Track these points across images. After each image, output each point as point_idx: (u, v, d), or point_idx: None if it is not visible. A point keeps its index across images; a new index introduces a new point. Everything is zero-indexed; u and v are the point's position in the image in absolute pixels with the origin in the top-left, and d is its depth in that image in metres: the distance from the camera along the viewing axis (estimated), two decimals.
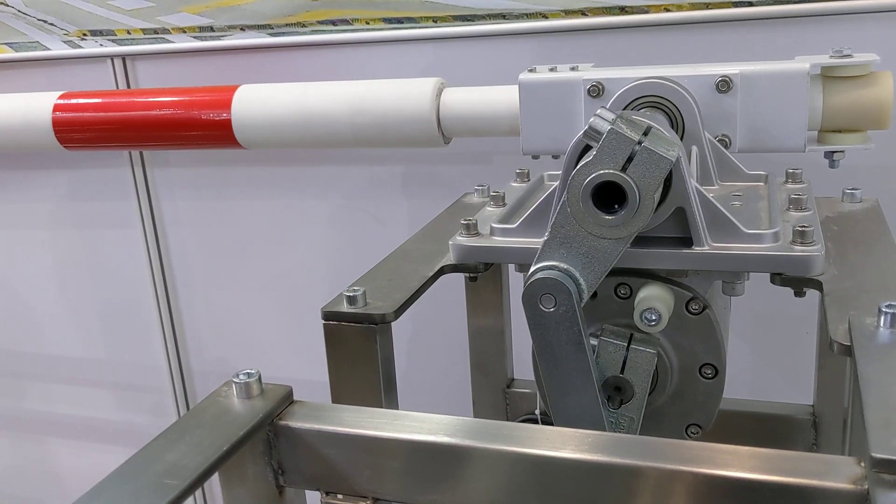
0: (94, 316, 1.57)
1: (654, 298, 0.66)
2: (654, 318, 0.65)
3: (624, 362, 0.65)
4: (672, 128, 0.82)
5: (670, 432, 0.72)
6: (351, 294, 0.64)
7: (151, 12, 1.30)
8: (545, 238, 0.62)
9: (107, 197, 1.46)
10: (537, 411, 0.97)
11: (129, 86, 1.36)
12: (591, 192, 0.60)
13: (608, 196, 0.60)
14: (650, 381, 0.67)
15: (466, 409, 1.00)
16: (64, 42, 1.37)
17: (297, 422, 0.50)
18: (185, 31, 1.30)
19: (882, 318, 0.53)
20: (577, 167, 0.60)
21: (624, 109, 0.83)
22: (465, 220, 0.73)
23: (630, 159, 0.58)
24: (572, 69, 0.88)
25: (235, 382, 0.52)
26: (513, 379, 1.00)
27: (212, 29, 1.28)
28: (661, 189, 0.61)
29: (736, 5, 1.04)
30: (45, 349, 1.64)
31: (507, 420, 0.99)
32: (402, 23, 1.18)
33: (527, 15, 1.12)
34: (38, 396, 1.71)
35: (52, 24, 1.37)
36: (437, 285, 0.71)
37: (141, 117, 1.16)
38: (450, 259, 0.73)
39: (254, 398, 0.51)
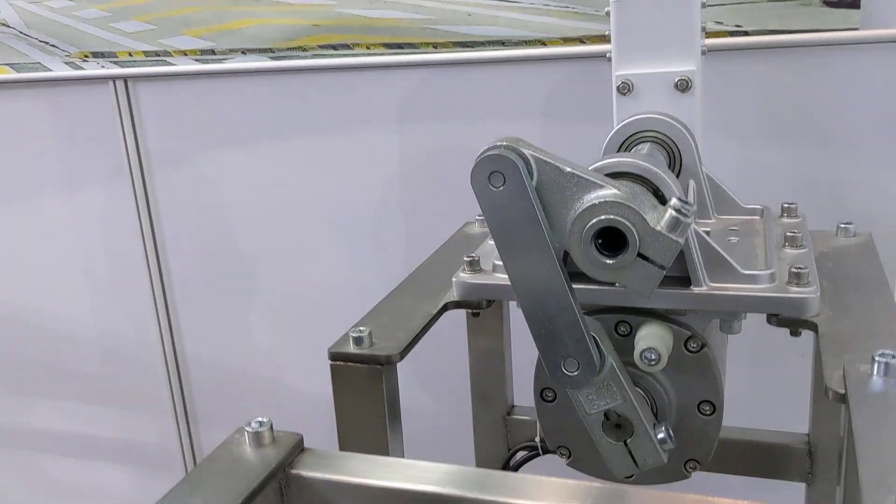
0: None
1: (653, 338, 0.67)
2: (653, 357, 0.67)
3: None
4: (670, 162, 0.83)
5: (669, 467, 0.73)
6: (357, 335, 0.66)
7: (153, 35, 1.31)
8: None
9: None
10: (537, 438, 0.99)
11: (130, 108, 1.37)
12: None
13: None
14: (650, 415, 0.69)
15: (467, 436, 1.02)
16: (65, 63, 1.38)
17: (308, 471, 0.51)
18: (186, 54, 1.31)
19: (875, 367, 0.54)
20: None
21: (624, 143, 0.85)
22: (468, 256, 0.74)
23: None
24: None
25: (248, 431, 0.53)
26: (513, 406, 1.01)
27: (213, 52, 1.29)
28: None
29: (732, 35, 1.05)
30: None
31: (508, 447, 1.01)
32: (403, 48, 1.19)
33: (525, 42, 1.14)
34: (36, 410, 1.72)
35: (53, 46, 1.38)
36: None
37: None
38: (453, 295, 0.74)
39: (265, 447, 0.52)
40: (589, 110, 1.14)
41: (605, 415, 0.69)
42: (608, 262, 0.61)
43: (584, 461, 0.76)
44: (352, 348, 0.65)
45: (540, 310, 0.64)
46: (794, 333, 0.67)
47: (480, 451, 1.02)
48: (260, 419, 0.53)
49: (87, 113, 1.40)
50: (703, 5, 0.87)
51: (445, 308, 0.73)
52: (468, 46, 1.16)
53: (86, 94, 1.40)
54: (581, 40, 1.11)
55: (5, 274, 1.60)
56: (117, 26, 1.32)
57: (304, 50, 1.24)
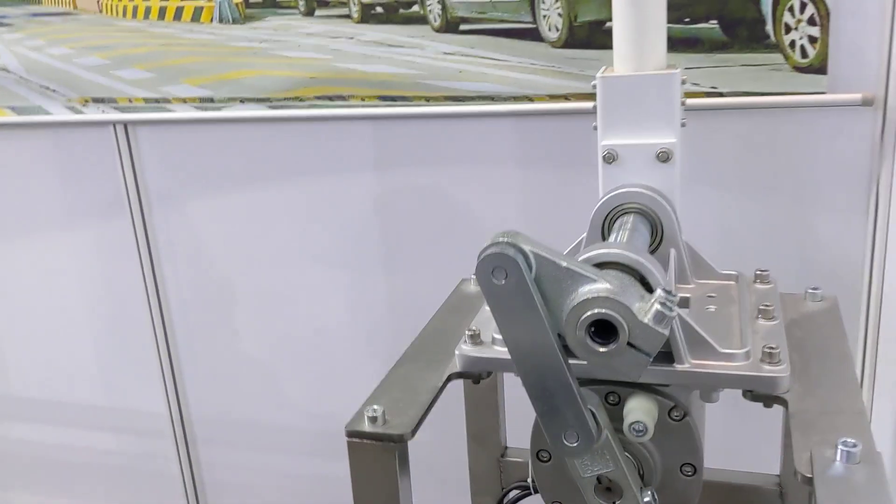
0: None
1: (640, 412, 0.74)
2: (641, 429, 0.73)
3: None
4: (652, 232, 0.90)
5: None
6: (372, 415, 0.72)
7: (153, 82, 1.36)
8: None
9: None
10: (529, 479, 1.06)
11: (130, 151, 1.42)
12: None
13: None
14: (637, 478, 0.76)
15: (463, 476, 1.08)
16: (66, 108, 1.42)
17: None
18: (185, 101, 1.36)
19: (838, 453, 0.61)
20: None
21: (610, 213, 0.91)
22: (469, 329, 0.81)
23: None
24: None
25: None
26: (506, 448, 1.08)
27: (212, 100, 1.34)
28: None
29: (708, 95, 1.12)
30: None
31: (501, 486, 1.08)
32: (396, 100, 1.25)
33: (514, 98, 1.20)
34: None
35: (53, 91, 1.42)
36: None
37: None
38: (455, 366, 0.80)
39: None
40: (572, 162, 1.21)
41: (598, 478, 0.76)
42: (601, 350, 0.68)
43: None
44: (367, 427, 0.72)
45: (542, 388, 0.71)
46: (767, 406, 0.74)
47: (476, 489, 1.08)
48: None
49: (88, 155, 1.45)
50: (683, 82, 0.94)
51: (449, 379, 0.79)
52: (459, 101, 1.22)
53: (86, 136, 1.44)
54: (566, 97, 1.17)
55: (6, 307, 1.64)
56: (117, 73, 1.37)
57: (301, 100, 1.30)
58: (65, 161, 1.47)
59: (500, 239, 0.70)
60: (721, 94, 1.11)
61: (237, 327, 1.50)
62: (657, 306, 0.66)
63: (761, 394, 0.72)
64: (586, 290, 0.68)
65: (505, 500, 1.07)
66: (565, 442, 0.72)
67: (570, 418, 0.71)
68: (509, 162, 1.24)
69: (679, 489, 0.79)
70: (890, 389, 1.13)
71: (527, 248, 0.69)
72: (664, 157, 0.93)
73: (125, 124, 1.41)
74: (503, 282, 0.68)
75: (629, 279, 0.71)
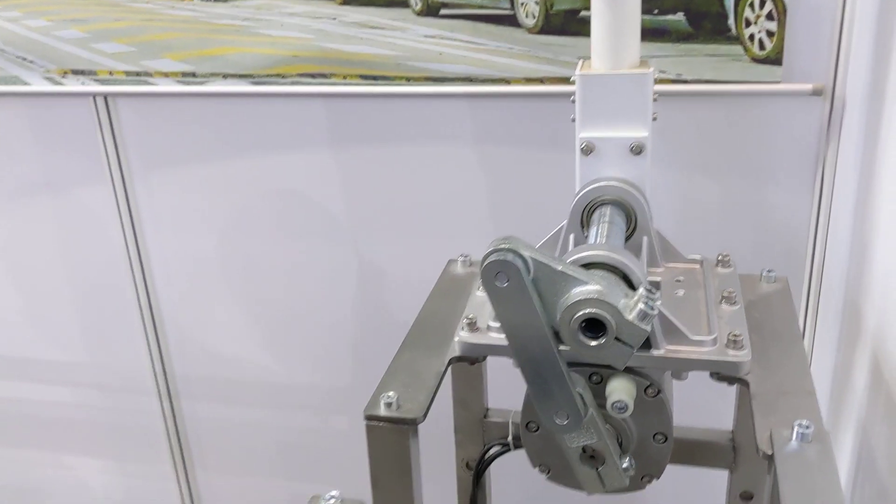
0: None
1: (621, 392, 0.84)
2: (622, 406, 0.84)
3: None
4: (627, 221, 0.99)
5: (630, 481, 0.91)
6: (388, 401, 0.81)
7: (133, 56, 1.38)
8: None
9: None
10: (509, 437, 1.16)
11: (111, 123, 1.44)
12: None
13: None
14: (617, 447, 0.87)
15: (448, 435, 1.19)
16: (45, 78, 1.43)
17: None
18: (167, 76, 1.38)
19: (794, 434, 0.73)
20: None
21: (588, 205, 1.00)
22: (467, 318, 0.89)
23: None
24: None
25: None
26: (488, 409, 1.18)
27: (194, 75, 1.37)
28: None
29: (674, 82, 1.21)
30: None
31: (484, 443, 1.18)
32: (378, 80, 1.30)
33: (491, 80, 1.26)
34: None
35: (31, 62, 1.42)
36: None
37: None
38: (454, 350, 0.89)
39: None
40: (547, 143, 1.28)
41: (583, 448, 0.86)
42: (591, 343, 0.77)
43: (561, 477, 0.93)
44: (383, 411, 0.80)
45: (537, 375, 0.80)
46: (731, 384, 0.85)
47: (460, 447, 1.19)
48: (333, 493, 0.68)
49: (68, 126, 1.47)
50: (655, 81, 1.02)
51: (451, 363, 0.88)
52: (439, 81, 1.28)
53: (66, 107, 1.46)
54: (541, 80, 1.24)
55: None
56: (97, 47, 1.38)
57: (283, 77, 1.34)
58: (44, 131, 1.49)
59: (502, 245, 0.78)
60: (685, 82, 1.19)
61: (219, 294, 1.56)
62: (641, 305, 0.76)
63: (726, 375, 0.83)
64: (578, 292, 0.77)
65: (486, 456, 1.18)
66: (556, 421, 0.82)
67: (561, 401, 0.81)
68: (487, 141, 1.31)
69: (652, 454, 0.90)
70: (827, 366, 1.26)
71: (526, 253, 0.78)
72: (637, 149, 1.01)
73: (105, 96, 1.43)
74: (505, 284, 0.77)
75: (614, 278, 0.81)
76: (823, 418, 1.26)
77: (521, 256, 0.77)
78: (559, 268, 0.78)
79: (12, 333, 1.74)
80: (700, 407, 1.24)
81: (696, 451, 1.11)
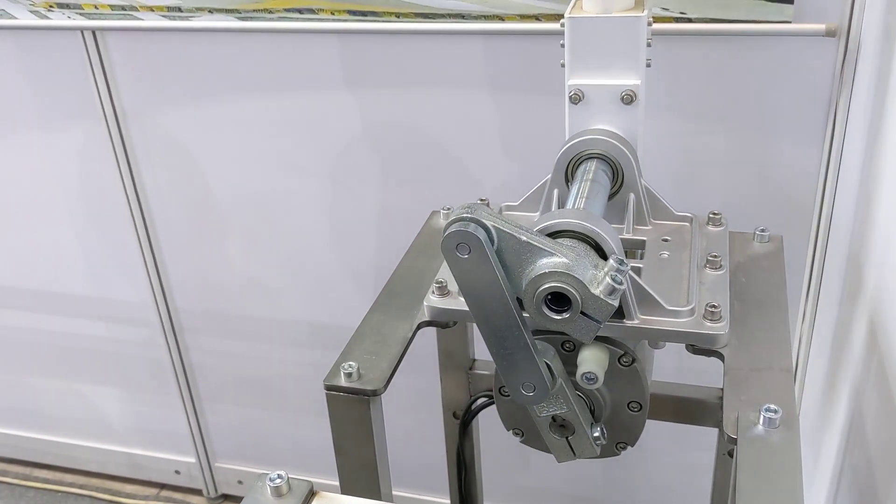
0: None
1: (592, 362, 0.81)
2: (592, 377, 0.81)
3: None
4: (614, 176, 0.95)
5: (604, 447, 0.89)
6: (348, 371, 0.79)
7: None
8: None
9: None
10: (494, 389, 1.15)
11: (101, 59, 1.41)
12: None
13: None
14: (588, 416, 0.84)
15: (434, 387, 1.17)
16: (30, 12, 1.39)
17: None
18: (153, 10, 1.33)
19: (761, 418, 0.69)
20: None
21: (573, 159, 0.95)
22: (437, 282, 0.86)
23: None
24: None
25: (270, 485, 0.67)
26: (474, 360, 1.16)
27: (180, 9, 1.32)
28: None
29: (677, 21, 1.13)
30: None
31: (469, 394, 1.17)
32: (366, 16, 1.24)
33: (484, 16, 1.20)
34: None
35: None
36: None
37: None
38: (424, 315, 0.87)
39: (284, 496, 0.67)
40: (541, 83, 1.22)
41: (553, 417, 0.84)
42: (556, 317, 0.74)
43: (534, 441, 0.92)
44: (343, 382, 0.79)
45: (502, 347, 0.77)
46: (707, 356, 0.82)
47: (446, 399, 1.18)
48: (279, 473, 0.67)
49: (58, 61, 1.43)
50: (649, 23, 0.95)
51: (419, 327, 0.86)
52: (430, 18, 1.22)
53: (54, 42, 1.42)
54: (537, 17, 1.17)
55: None
56: None
57: (270, 13, 1.28)
58: (33, 66, 1.46)
59: (464, 214, 0.74)
60: (689, 20, 1.12)
61: (217, 229, 1.55)
62: (608, 280, 0.72)
63: (702, 348, 0.80)
64: (543, 264, 0.74)
65: (472, 407, 1.17)
66: (523, 391, 0.80)
67: (527, 372, 0.78)
68: (478, 81, 1.25)
69: (626, 423, 0.88)
70: (828, 326, 1.21)
71: (489, 223, 0.74)
72: (628, 98, 0.95)
73: (93, 31, 1.39)
74: (466, 256, 0.73)
75: (584, 248, 0.77)
76: (821, 381, 1.24)
77: (483, 226, 0.74)
78: (524, 238, 0.74)
79: (17, 266, 1.75)
80: (693, 363, 1.21)
81: (685, 410, 1.08)
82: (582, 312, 0.73)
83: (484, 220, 0.74)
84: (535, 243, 0.74)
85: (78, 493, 2.03)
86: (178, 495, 2.01)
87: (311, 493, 0.68)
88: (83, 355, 1.85)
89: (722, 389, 1.07)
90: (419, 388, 1.42)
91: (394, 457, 0.88)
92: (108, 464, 2.03)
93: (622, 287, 0.72)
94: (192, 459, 1.92)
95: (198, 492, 1.99)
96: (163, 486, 2.03)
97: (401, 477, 1.22)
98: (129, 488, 2.04)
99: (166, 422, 1.88)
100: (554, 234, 0.78)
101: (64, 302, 1.77)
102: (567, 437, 0.85)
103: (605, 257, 0.77)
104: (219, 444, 1.90)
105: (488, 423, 1.18)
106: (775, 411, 0.69)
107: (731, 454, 1.08)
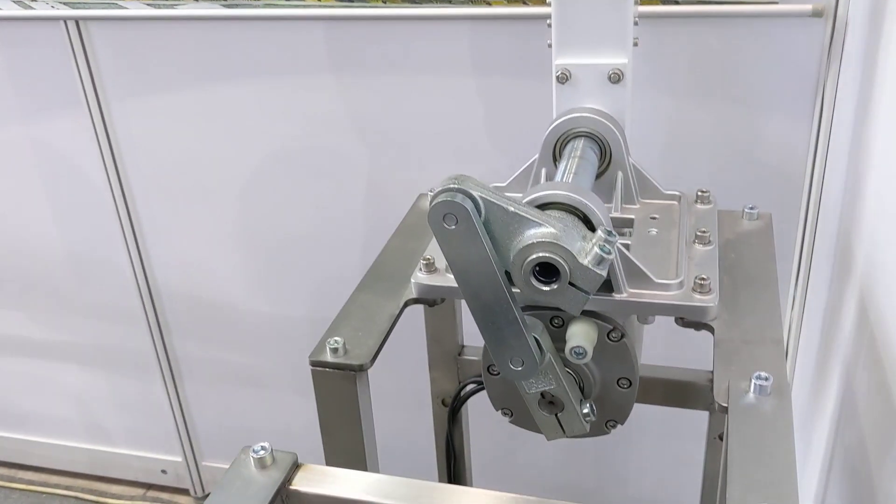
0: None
1: (581, 337, 0.80)
2: (581, 352, 0.80)
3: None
4: (601, 155, 0.94)
5: (593, 425, 0.88)
6: (333, 346, 0.78)
7: None
8: None
9: None
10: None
11: (84, 49, 1.39)
12: None
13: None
14: (577, 392, 0.83)
15: (423, 373, 1.16)
16: (13, 2, 1.38)
17: (305, 487, 0.65)
18: None
19: (752, 386, 0.69)
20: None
21: (560, 137, 0.94)
22: (424, 258, 0.85)
23: None
24: None
25: (253, 456, 0.65)
26: (463, 346, 1.15)
27: None
28: None
29: (664, 2, 1.13)
30: None
31: (459, 380, 1.16)
32: (353, 1, 1.24)
33: (471, 1, 1.19)
34: None
35: None
36: None
37: None
38: (411, 292, 0.86)
39: (268, 468, 0.65)
40: (528, 68, 1.22)
41: (542, 394, 0.83)
42: (544, 288, 0.73)
43: (523, 420, 0.91)
44: (329, 357, 0.77)
45: (490, 322, 0.76)
46: (697, 330, 0.81)
47: (436, 384, 1.17)
48: (262, 444, 0.66)
49: (42, 50, 1.42)
50: (636, 2, 0.95)
51: (406, 305, 0.85)
52: (417, 3, 1.21)
53: (37, 32, 1.41)
54: (524, 1, 1.17)
55: None
56: None
57: None
58: (16, 57, 1.44)
59: (451, 185, 0.73)
60: (676, 2, 1.12)
61: (201, 215, 1.53)
62: (596, 249, 0.71)
63: (691, 321, 0.79)
64: (531, 234, 0.73)
65: (461, 394, 1.16)
66: (511, 366, 0.79)
67: (515, 347, 0.77)
68: (465, 66, 1.24)
69: (616, 400, 0.87)
70: (819, 306, 1.20)
71: (476, 193, 0.73)
72: (616, 77, 0.95)
73: (77, 20, 1.37)
74: (453, 227, 0.72)
75: (572, 220, 0.76)
76: (813, 361, 1.23)
77: (470, 197, 0.73)
78: (511, 208, 0.73)
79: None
80: (683, 346, 1.20)
81: (675, 393, 1.08)
82: (570, 283, 0.73)
83: (471, 191, 0.73)
84: (523, 214, 0.73)
85: (63, 494, 2.01)
86: (164, 495, 1.99)
87: (296, 466, 0.67)
88: (67, 353, 1.82)
89: (712, 371, 1.08)
90: (407, 375, 1.40)
91: (382, 445, 0.87)
92: (93, 464, 2.00)
93: (610, 257, 0.71)
94: (179, 458, 1.90)
95: (185, 491, 1.97)
96: (149, 486, 2.00)
97: (389, 465, 1.20)
98: (115, 489, 2.01)
99: (152, 421, 1.86)
100: (542, 207, 0.78)
101: (47, 298, 1.75)
102: (556, 414, 0.84)
103: (593, 230, 0.76)
104: (205, 443, 1.88)
105: (477, 412, 1.17)
106: (766, 378, 0.68)
107: (721, 437, 1.08)
